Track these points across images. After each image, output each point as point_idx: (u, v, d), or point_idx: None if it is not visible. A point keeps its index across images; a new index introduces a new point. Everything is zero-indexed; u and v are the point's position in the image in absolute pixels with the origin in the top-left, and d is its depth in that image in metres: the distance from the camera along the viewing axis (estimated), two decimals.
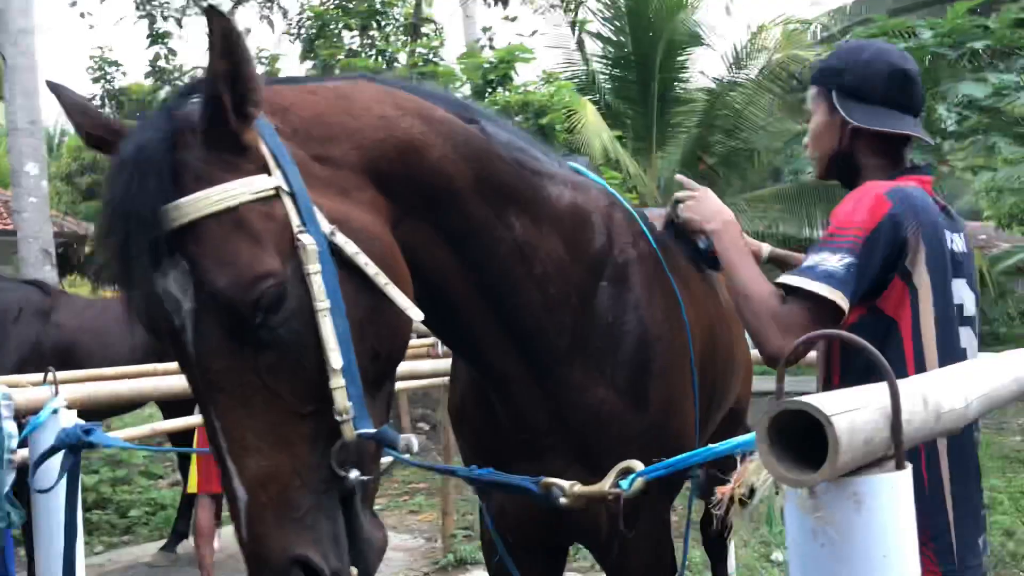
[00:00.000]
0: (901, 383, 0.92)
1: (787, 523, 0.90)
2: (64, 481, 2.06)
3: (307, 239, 1.28)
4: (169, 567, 5.63)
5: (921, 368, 1.70)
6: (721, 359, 2.35)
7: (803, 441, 0.85)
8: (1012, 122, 10.18)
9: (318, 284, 1.28)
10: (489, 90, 11.13)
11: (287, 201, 1.31)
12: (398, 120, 1.56)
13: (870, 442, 0.85)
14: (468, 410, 2.06)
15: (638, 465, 1.22)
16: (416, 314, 1.43)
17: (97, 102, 12.81)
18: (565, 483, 1.26)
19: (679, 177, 2.16)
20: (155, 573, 5.54)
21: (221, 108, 1.27)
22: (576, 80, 13.80)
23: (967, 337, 1.84)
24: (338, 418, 1.29)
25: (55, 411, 2.26)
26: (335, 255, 1.33)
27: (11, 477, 2.26)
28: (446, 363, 4.76)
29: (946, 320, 1.76)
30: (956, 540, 1.69)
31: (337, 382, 1.28)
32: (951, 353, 1.76)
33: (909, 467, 0.88)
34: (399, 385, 3.78)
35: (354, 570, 1.33)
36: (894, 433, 0.88)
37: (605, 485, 1.22)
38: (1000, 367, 1.34)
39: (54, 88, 1.51)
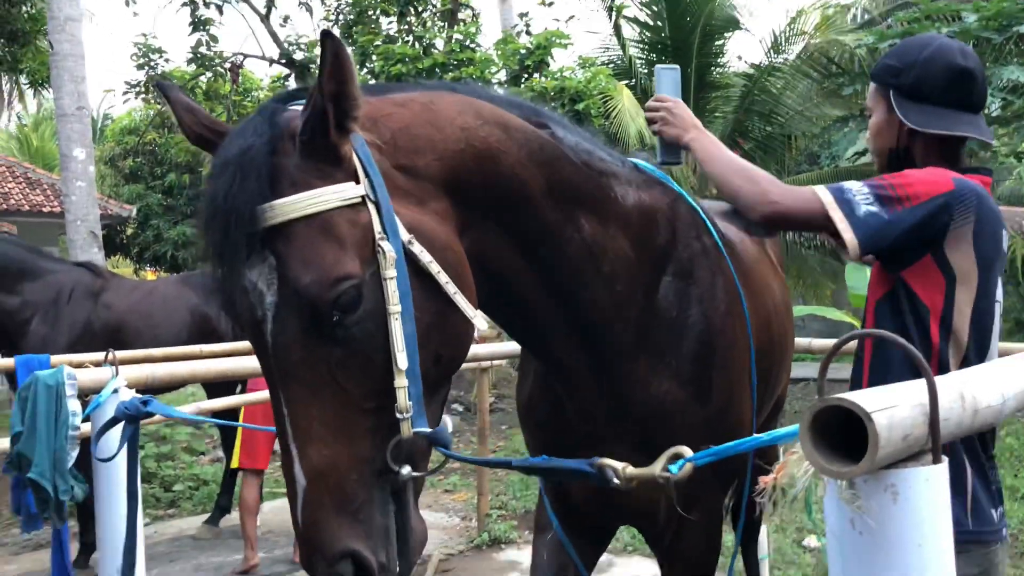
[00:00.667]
0: (939, 380, 0.96)
1: (826, 512, 0.95)
2: (125, 450, 2.16)
3: (387, 246, 1.36)
4: (213, 540, 5.79)
5: (944, 356, 1.74)
6: (776, 351, 2.42)
7: (843, 432, 0.90)
8: None
9: (392, 289, 1.35)
10: (525, 76, 11.13)
11: (372, 209, 1.38)
12: (477, 129, 1.61)
13: (908, 437, 0.90)
14: (535, 404, 2.12)
15: (687, 451, 1.27)
16: (481, 323, 1.50)
17: (141, 88, 13.04)
18: (618, 464, 1.30)
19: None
20: (200, 545, 5.70)
21: (325, 122, 1.35)
22: (612, 65, 13.73)
23: (997, 331, 1.86)
24: (398, 416, 1.35)
25: (115, 391, 2.36)
26: (410, 263, 1.40)
27: (75, 452, 2.37)
28: (483, 348, 4.85)
29: (985, 314, 1.78)
30: (972, 506, 1.73)
31: (401, 382, 1.35)
32: (982, 346, 1.79)
33: (945, 461, 0.93)
34: None
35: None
36: (932, 429, 0.93)
37: (656, 468, 1.27)
38: None
39: (161, 87, 1.62)
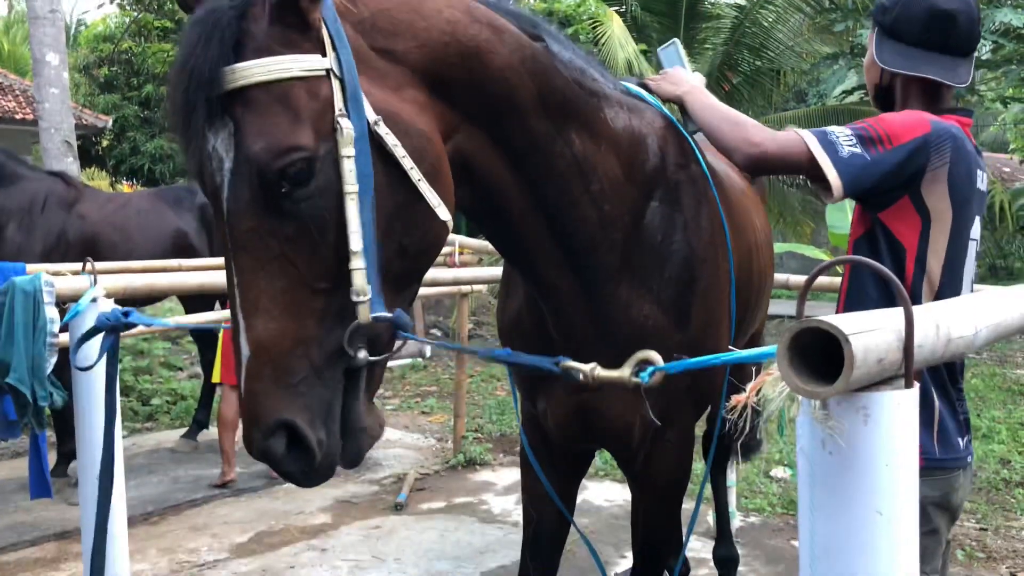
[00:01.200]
0: (916, 309, 0.98)
1: (798, 432, 0.98)
2: (104, 361, 2.17)
3: (346, 123, 1.33)
4: (191, 453, 5.87)
5: (918, 292, 1.80)
6: (755, 284, 2.45)
7: (817, 359, 0.92)
8: None
9: (349, 168, 1.33)
10: None
11: (335, 84, 1.35)
12: (466, 26, 1.58)
13: (882, 361, 0.92)
14: (519, 322, 2.13)
15: (657, 357, 1.28)
16: (445, 214, 1.46)
17: None
18: (586, 367, 1.31)
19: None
20: (177, 459, 5.77)
21: None
22: None
23: (970, 269, 1.91)
24: (355, 299, 1.34)
25: (94, 300, 2.35)
26: (375, 145, 1.37)
27: (53, 359, 2.38)
28: (463, 272, 4.86)
29: (957, 252, 1.83)
30: (939, 434, 1.81)
31: (357, 264, 1.33)
32: (954, 286, 1.84)
33: (916, 387, 0.95)
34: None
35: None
36: (906, 355, 0.95)
37: (625, 372, 1.28)
38: (1009, 299, 1.39)
39: None
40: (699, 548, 4.14)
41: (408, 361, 8.61)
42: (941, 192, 1.77)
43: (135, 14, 13.30)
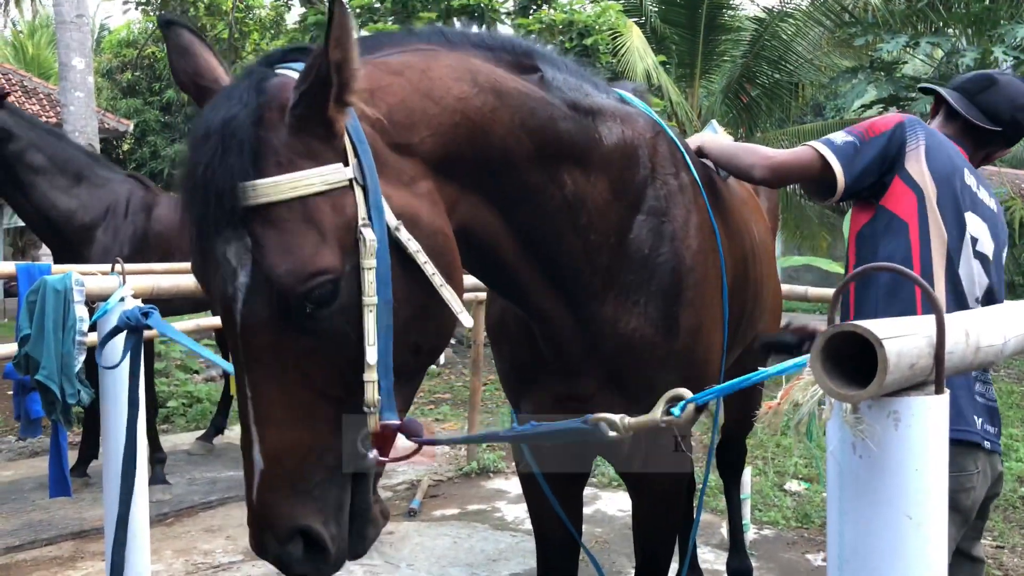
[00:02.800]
0: (948, 317, 0.99)
1: (828, 436, 0.99)
2: (128, 359, 2.20)
3: (369, 234, 1.29)
4: (207, 455, 5.90)
5: (927, 266, 2.00)
6: (751, 291, 2.43)
7: (847, 366, 0.93)
8: None
9: (371, 280, 1.29)
10: (535, 7, 10.93)
11: (358, 193, 1.31)
12: (473, 99, 1.55)
13: (914, 367, 0.93)
14: (508, 328, 2.12)
15: (686, 393, 1.23)
16: (466, 320, 1.45)
17: None
18: (615, 417, 1.27)
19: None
20: (193, 460, 5.81)
21: (325, 95, 1.27)
22: (623, 1, 13.47)
23: (979, 271, 2.06)
24: (366, 409, 1.32)
25: (122, 299, 2.38)
26: (395, 250, 1.33)
27: (82, 357, 2.41)
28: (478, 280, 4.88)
29: (956, 228, 2.03)
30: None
31: (370, 376, 1.30)
32: (954, 263, 2.01)
33: (947, 392, 0.96)
34: None
35: None
36: (937, 361, 0.96)
37: (657, 414, 1.23)
38: None
39: (164, 22, 1.54)
40: (712, 560, 4.13)
41: None
42: (922, 169, 2.04)
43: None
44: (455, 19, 10.46)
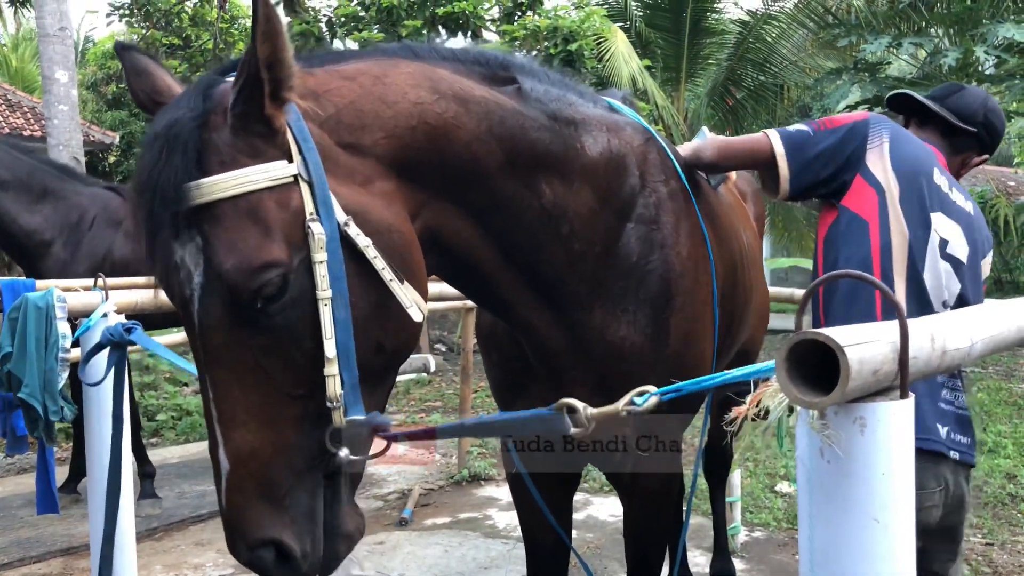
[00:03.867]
0: (911, 322, 1.00)
1: (797, 441, 1.00)
2: (111, 375, 2.19)
3: (317, 228, 1.30)
4: (195, 468, 5.88)
5: (887, 267, 1.91)
6: (741, 297, 2.44)
7: (814, 372, 0.95)
8: None
9: (322, 273, 1.30)
10: (519, 13, 10.96)
11: (304, 189, 1.32)
12: (432, 105, 1.55)
13: (877, 372, 0.94)
14: (498, 337, 2.12)
15: (652, 389, 1.26)
16: (417, 315, 1.44)
17: (125, 11, 12.74)
18: (579, 403, 1.28)
19: None
20: (183, 474, 5.79)
21: (259, 91, 1.29)
22: (607, 6, 13.54)
23: (948, 274, 1.97)
24: (329, 404, 1.32)
25: (105, 315, 2.38)
26: (346, 246, 1.34)
27: (65, 374, 2.41)
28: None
29: (921, 227, 1.94)
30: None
31: (331, 370, 1.31)
32: (917, 264, 1.93)
33: (912, 397, 0.98)
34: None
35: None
36: (900, 367, 0.97)
37: (619, 404, 1.25)
38: (1005, 313, 1.42)
39: (120, 48, 1.57)
40: (703, 563, 4.14)
41: (413, 376, 8.63)
42: (885, 166, 1.97)
43: (143, 31, 13.42)
44: (440, 27, 10.49)
